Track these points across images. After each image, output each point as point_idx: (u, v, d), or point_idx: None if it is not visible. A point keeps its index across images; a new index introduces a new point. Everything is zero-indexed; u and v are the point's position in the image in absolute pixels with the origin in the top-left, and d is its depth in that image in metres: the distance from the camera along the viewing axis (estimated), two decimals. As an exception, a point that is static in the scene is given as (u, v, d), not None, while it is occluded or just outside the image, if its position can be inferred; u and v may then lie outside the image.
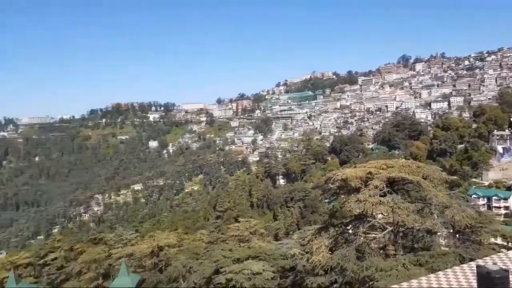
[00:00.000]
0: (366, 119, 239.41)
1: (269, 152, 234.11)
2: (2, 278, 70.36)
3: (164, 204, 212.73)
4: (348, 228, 27.28)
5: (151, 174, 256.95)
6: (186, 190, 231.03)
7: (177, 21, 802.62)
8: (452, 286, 10.06)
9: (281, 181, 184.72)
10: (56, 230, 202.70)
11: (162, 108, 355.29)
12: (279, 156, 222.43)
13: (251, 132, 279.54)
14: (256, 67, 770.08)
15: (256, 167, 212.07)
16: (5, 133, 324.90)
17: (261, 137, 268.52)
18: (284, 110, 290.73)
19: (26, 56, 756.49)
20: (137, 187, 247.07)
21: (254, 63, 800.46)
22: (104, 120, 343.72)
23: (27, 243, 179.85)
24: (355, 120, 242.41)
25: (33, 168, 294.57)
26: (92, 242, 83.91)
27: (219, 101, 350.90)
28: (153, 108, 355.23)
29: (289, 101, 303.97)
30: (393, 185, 24.34)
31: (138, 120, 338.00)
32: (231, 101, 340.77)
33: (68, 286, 70.06)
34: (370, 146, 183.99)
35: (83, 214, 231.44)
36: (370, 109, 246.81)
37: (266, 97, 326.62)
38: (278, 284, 38.69)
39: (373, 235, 24.95)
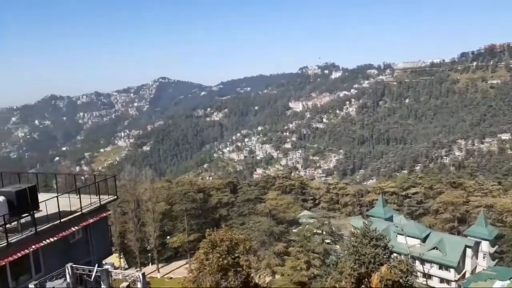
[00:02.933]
0: None
1: None
2: (372, 199, 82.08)
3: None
4: None
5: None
6: None
7: None
8: None
9: None
10: (418, 167, 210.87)
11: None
12: None
13: None
14: None
15: None
16: (383, 77, 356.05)
17: None
18: None
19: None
20: (505, 136, 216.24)
21: None
22: (475, 63, 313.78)
23: (393, 174, 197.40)
24: None
25: (403, 109, 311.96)
26: (451, 185, 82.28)
27: None
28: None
29: None
30: None
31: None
32: None
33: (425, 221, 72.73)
34: None
35: (443, 157, 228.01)
36: None
37: None
38: None
39: None
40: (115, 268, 49.28)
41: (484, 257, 56.57)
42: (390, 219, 64.13)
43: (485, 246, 56.37)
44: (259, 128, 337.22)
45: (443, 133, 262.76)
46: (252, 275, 22.69)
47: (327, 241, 50.41)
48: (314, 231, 51.97)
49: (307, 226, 53.84)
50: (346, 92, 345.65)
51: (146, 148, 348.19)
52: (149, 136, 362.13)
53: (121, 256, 70.27)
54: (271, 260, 50.72)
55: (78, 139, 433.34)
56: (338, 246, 48.48)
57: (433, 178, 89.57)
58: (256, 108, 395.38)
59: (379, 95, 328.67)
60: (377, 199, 73.40)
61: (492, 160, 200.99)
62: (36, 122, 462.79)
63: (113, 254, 65.65)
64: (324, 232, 51.85)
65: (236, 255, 21.46)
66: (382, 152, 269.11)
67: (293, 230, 60.13)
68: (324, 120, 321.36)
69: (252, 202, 75.46)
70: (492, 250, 56.76)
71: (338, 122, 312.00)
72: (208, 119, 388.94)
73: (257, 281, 22.79)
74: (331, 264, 19.34)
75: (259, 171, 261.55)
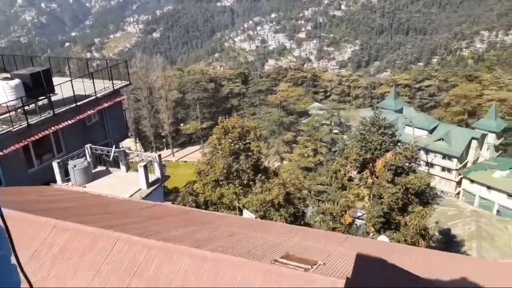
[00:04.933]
0: None
1: None
2: (384, 92, 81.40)
3: None
4: None
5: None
6: None
7: None
8: None
9: None
10: (435, 60, 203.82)
11: None
12: None
13: None
14: None
15: None
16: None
17: None
18: None
19: None
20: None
21: None
22: None
23: (409, 66, 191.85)
24: None
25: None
26: (467, 79, 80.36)
27: None
28: None
29: None
30: None
31: None
32: None
33: (435, 114, 72.98)
34: None
35: (463, 49, 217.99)
36: None
37: None
38: None
39: None
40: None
41: (488, 149, 58.06)
42: (400, 111, 64.40)
43: (491, 138, 57.37)
44: (273, 16, 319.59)
45: (467, 23, 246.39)
46: (261, 160, 23.84)
47: (335, 131, 51.68)
48: (323, 122, 52.97)
49: (316, 117, 54.71)
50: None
51: (156, 34, 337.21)
52: (158, 21, 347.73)
53: (137, 141, 73.80)
54: (280, 148, 52.92)
55: (87, 24, 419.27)
56: (345, 136, 49.91)
57: (449, 70, 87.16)
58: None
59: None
60: (389, 92, 72.79)
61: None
62: (43, 5, 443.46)
63: (129, 138, 68.91)
64: (333, 123, 52.86)
65: (247, 141, 22.36)
66: (400, 43, 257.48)
67: (303, 121, 61.33)
68: (343, 7, 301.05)
69: (263, 93, 75.65)
70: (498, 142, 57.93)
71: (358, 10, 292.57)
72: (218, 4, 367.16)
73: (266, 165, 24.03)
74: (338, 150, 20.07)
75: (271, 62, 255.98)
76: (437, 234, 16.79)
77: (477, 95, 69.52)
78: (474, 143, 56.68)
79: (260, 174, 20.12)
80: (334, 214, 16.59)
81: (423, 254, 9.25)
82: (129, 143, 67.97)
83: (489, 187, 48.60)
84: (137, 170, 16.09)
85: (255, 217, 14.75)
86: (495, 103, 61.33)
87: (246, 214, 15.09)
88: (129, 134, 69.49)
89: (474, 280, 6.11)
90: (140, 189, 15.61)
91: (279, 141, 54.24)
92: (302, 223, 18.26)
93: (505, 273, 7.36)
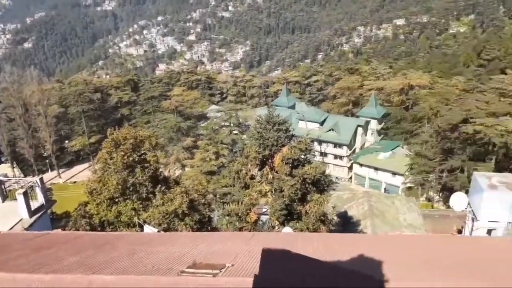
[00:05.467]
0: None
1: None
2: (277, 90, 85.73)
3: (423, 43, 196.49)
4: None
5: (416, 9, 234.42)
6: (451, 31, 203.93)
7: None
8: None
9: None
10: (320, 56, 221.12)
11: None
12: None
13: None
14: None
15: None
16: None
17: None
18: None
19: None
20: (399, 22, 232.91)
21: None
22: None
23: (297, 64, 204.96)
24: None
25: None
26: (349, 72, 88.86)
27: None
28: None
29: None
30: None
31: None
32: None
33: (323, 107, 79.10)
34: None
35: (344, 44, 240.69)
36: None
37: None
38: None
39: None
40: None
41: (372, 134, 65.11)
42: (293, 107, 68.54)
43: (373, 124, 64.46)
44: (159, 18, 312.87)
45: (345, 20, 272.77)
46: (160, 170, 23.16)
47: (235, 132, 52.73)
48: (222, 123, 53.63)
49: (215, 119, 55.13)
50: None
51: (27, 45, 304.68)
52: (29, 30, 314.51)
53: (14, 166, 65.83)
54: (180, 155, 52.14)
55: None
56: (245, 136, 51.23)
57: (333, 65, 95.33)
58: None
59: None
60: (281, 89, 76.88)
61: (386, 45, 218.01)
62: None
63: (4, 164, 61.20)
64: (232, 124, 53.84)
65: (142, 152, 21.50)
66: (288, 42, 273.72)
67: (201, 125, 61.30)
68: (230, 8, 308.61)
69: (156, 100, 73.60)
70: (379, 127, 65.30)
71: (245, 10, 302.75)
72: (99, 8, 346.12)
73: (166, 174, 23.41)
74: (238, 150, 20.54)
75: (162, 66, 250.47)
76: (335, 218, 18.26)
77: (358, 86, 77.32)
78: (360, 130, 63.05)
79: (159, 185, 19.50)
80: (239, 214, 16.95)
81: (324, 239, 9.96)
82: (4, 169, 60.27)
83: (376, 169, 54.58)
84: (16, 199, 14.46)
85: (158, 231, 14.29)
86: (374, 92, 68.99)
87: (148, 229, 14.54)
88: (3, 159, 61.59)
89: (369, 255, 6.74)
90: (21, 219, 14.03)
91: (179, 148, 53.41)
92: (209, 228, 18.24)
93: (393, 244, 8.29)
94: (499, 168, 33.41)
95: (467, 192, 10.37)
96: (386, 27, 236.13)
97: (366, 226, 22.42)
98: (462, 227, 11.11)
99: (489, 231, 9.08)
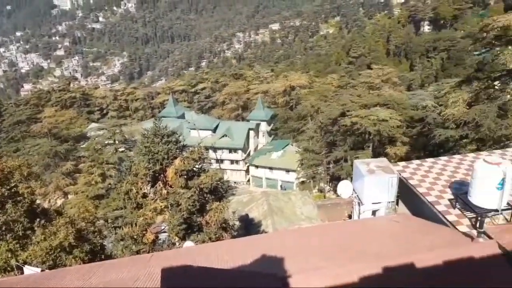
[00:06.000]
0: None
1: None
2: (163, 100, 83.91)
3: (299, 46, 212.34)
4: (495, 83, 24.00)
5: (288, 13, 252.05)
6: (321, 33, 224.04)
7: None
8: None
9: (426, 28, 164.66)
10: (204, 63, 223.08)
11: None
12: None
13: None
14: None
15: (399, 10, 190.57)
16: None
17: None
18: None
19: None
20: (275, 26, 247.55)
21: None
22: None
23: (181, 72, 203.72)
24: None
25: (184, 3, 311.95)
26: (234, 77, 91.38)
27: None
28: None
29: None
30: None
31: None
32: None
33: (214, 114, 80.00)
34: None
35: (226, 51, 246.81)
36: None
37: None
38: (403, 132, 38.12)
39: (524, 94, 21.67)
40: None
41: (263, 135, 67.90)
42: (182, 116, 67.79)
43: (263, 126, 67.29)
44: (18, 34, 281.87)
45: (224, 26, 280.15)
46: (38, 201, 20.79)
47: (121, 149, 50.02)
48: (106, 142, 50.38)
49: (96, 138, 51.56)
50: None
51: None
52: None
53: None
54: (60, 182, 47.53)
55: None
56: (132, 152, 48.90)
57: (218, 72, 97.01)
58: (9, 8, 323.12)
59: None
60: (168, 100, 75.44)
61: (266, 50, 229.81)
62: None
63: None
64: (117, 141, 50.94)
65: (13, 184, 19.08)
66: (168, 51, 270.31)
67: (82, 146, 56.81)
68: (101, 19, 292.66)
69: (24, 124, 65.88)
70: (269, 128, 68.42)
71: (118, 21, 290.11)
72: None
73: (46, 206, 21.09)
74: (125, 169, 19.41)
75: (28, 86, 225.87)
76: (237, 223, 18.47)
77: (245, 91, 79.98)
78: (252, 133, 65.26)
79: (38, 219, 17.45)
80: (134, 236, 16.03)
81: (226, 246, 9.98)
82: None
83: (270, 168, 57.03)
84: None
85: (42, 270, 12.73)
86: (260, 95, 72.10)
87: (28, 270, 12.83)
88: None
89: (271, 253, 6.91)
90: None
91: (58, 174, 48.59)
92: (103, 257, 16.89)
93: (293, 238, 8.67)
94: (375, 154, 37.61)
95: (352, 179, 11.34)
96: (263, 32, 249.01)
97: (267, 225, 23.22)
98: (352, 212, 12.13)
99: (373, 212, 10.03)
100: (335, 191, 42.71)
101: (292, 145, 59.83)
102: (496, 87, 23.80)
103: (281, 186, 55.33)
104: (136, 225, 16.10)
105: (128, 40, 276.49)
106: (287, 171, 55.25)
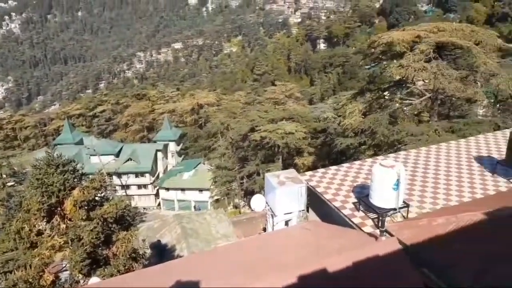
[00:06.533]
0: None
1: (312, 13, 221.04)
2: (58, 126, 77.71)
3: (204, 64, 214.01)
4: (385, 94, 26.63)
5: (190, 33, 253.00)
6: (225, 52, 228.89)
7: None
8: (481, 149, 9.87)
9: (322, 46, 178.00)
10: (102, 85, 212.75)
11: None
12: (323, 17, 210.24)
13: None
14: None
15: (297, 30, 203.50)
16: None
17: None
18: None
19: None
20: (177, 45, 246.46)
21: None
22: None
23: (78, 96, 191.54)
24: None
25: (77, 23, 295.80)
26: (136, 98, 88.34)
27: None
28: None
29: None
30: (441, 50, 22.62)
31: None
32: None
33: (117, 137, 76.36)
34: (424, 8, 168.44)
35: (126, 71, 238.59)
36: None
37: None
38: (308, 143, 40.25)
39: (409, 101, 24.34)
40: None
41: (172, 156, 66.39)
42: (80, 142, 63.40)
43: (172, 146, 65.86)
44: None
45: (122, 46, 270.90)
46: None
47: (10, 183, 45.00)
48: (-10, 177, 44.89)
49: (-22, 173, 45.66)
50: (2, 4, 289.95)
51: None
52: None
53: None
54: None
55: None
56: (23, 186, 44.25)
57: (118, 93, 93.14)
58: None
59: (47, 8, 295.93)
60: (63, 125, 70.10)
61: (170, 69, 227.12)
62: None
63: None
64: (5, 175, 45.71)
65: None
66: (61, 73, 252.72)
67: (-40, 184, 49.83)
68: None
69: None
70: (178, 148, 67.18)
71: (0, 43, 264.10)
72: None
73: None
74: (15, 205, 17.34)
75: None
76: (148, 250, 17.51)
77: (149, 111, 77.75)
78: (160, 155, 63.35)
79: None
80: (30, 279, 14.30)
81: (134, 277, 9.36)
82: None
83: (182, 189, 55.79)
84: None
85: None
86: (167, 115, 70.64)
87: None
88: None
89: (186, 278, 6.58)
90: None
91: None
92: (-8, 310, 14.74)
93: (209, 260, 8.41)
94: (285, 165, 39.09)
95: (264, 192, 11.46)
96: (166, 51, 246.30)
97: (182, 249, 22.42)
98: (266, 225, 12.23)
99: (286, 223, 10.20)
100: (250, 205, 43.21)
101: (203, 164, 59.40)
102: (386, 97, 26.45)
103: (194, 206, 54.37)
104: (31, 267, 14.37)
105: (13, 63, 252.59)
106: (200, 190, 54.56)
